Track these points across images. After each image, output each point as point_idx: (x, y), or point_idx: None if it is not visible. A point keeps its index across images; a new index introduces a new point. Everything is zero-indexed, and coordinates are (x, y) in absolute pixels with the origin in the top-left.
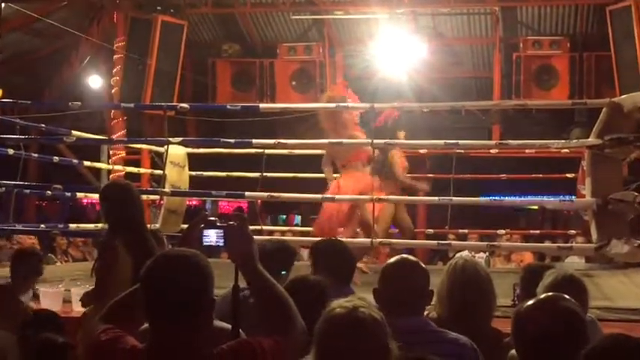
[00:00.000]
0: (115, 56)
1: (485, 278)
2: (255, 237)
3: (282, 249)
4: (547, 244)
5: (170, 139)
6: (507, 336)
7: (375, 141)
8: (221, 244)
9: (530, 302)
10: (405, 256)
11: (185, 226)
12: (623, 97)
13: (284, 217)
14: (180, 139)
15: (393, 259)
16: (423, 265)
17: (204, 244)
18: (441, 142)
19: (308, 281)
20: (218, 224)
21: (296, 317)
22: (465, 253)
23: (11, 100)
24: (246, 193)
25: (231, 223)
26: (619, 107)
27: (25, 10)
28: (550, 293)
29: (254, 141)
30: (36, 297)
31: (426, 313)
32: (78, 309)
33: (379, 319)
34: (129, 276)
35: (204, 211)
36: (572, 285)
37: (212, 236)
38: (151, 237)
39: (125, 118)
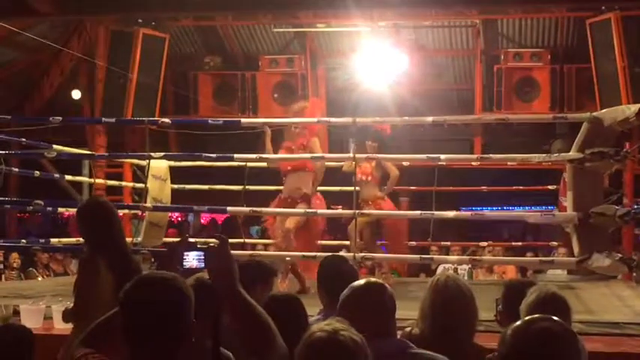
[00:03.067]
0: (96, 69)
1: (467, 294)
2: (237, 252)
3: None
4: (529, 256)
5: (152, 154)
6: (490, 352)
7: (358, 155)
8: (201, 266)
9: (518, 323)
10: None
11: (167, 239)
12: (603, 111)
13: (257, 228)
14: (163, 154)
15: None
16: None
17: (185, 265)
18: (424, 155)
19: (287, 299)
20: (198, 246)
21: (275, 338)
22: (448, 265)
23: None
24: (228, 208)
25: (212, 244)
26: (599, 122)
27: (4, 24)
28: (537, 315)
29: (236, 155)
30: (16, 313)
31: (408, 329)
32: (59, 326)
33: (359, 342)
34: (110, 294)
35: (187, 223)
36: (554, 303)
37: (192, 258)
38: (133, 255)
39: (107, 130)
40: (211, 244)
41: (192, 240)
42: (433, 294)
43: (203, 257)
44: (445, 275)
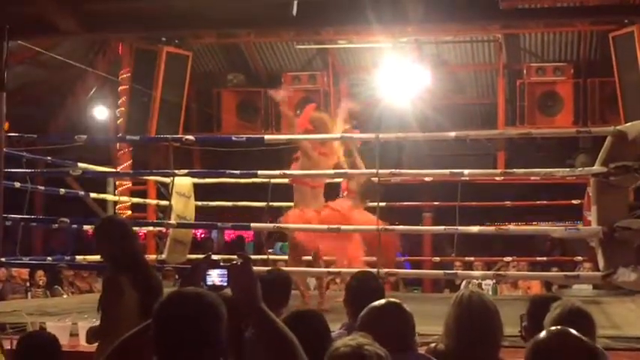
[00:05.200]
0: (121, 87)
1: (491, 309)
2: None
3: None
4: (554, 271)
5: (176, 171)
6: None
7: (380, 171)
8: (224, 284)
9: (541, 336)
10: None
11: (192, 256)
12: (627, 125)
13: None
14: (186, 171)
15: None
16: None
17: (208, 283)
18: (447, 171)
19: (310, 315)
20: (221, 264)
21: (300, 356)
22: (473, 281)
23: (18, 134)
24: (252, 225)
25: (235, 262)
26: (623, 135)
27: (29, 45)
28: (558, 327)
29: (259, 172)
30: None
31: (433, 345)
32: (85, 343)
33: (383, 356)
34: (135, 311)
35: (211, 241)
36: (579, 317)
37: (215, 276)
38: (155, 272)
39: (131, 148)
40: (234, 262)
41: (215, 257)
42: (457, 309)
43: (226, 275)
44: (469, 290)
